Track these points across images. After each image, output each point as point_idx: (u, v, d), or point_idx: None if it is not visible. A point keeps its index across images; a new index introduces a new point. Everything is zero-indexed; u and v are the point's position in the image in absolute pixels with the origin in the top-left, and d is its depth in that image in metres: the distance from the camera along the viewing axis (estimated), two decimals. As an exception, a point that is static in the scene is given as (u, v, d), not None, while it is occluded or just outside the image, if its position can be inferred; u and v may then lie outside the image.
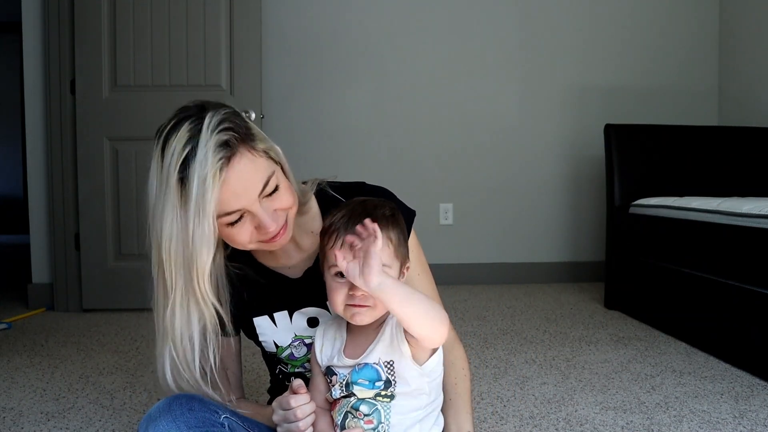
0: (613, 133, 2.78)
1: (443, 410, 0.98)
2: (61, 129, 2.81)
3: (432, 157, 3.44)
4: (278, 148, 0.97)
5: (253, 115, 2.74)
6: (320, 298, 1.03)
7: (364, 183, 1.10)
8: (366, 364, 0.89)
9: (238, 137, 0.88)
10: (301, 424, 0.89)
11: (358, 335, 0.93)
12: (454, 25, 3.43)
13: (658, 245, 2.48)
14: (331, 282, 0.89)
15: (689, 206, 2.26)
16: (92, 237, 2.80)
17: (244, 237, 0.91)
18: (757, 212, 1.88)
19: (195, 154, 0.84)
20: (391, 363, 0.88)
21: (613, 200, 2.77)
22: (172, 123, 0.89)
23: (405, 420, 0.88)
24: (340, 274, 0.87)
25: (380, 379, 0.88)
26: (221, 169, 0.85)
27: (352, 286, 0.86)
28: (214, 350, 0.95)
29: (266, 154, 0.92)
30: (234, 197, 0.87)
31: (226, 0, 2.76)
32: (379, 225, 0.86)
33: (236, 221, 0.89)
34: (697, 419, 1.51)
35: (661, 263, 2.43)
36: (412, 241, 1.07)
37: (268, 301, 1.06)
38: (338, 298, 0.88)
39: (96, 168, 2.79)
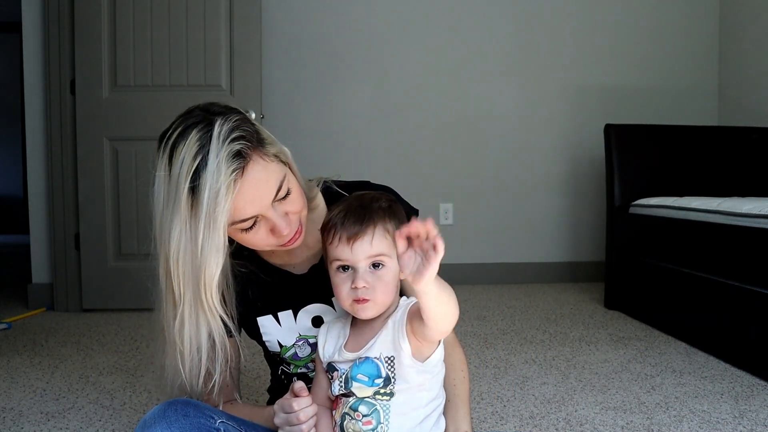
0: (613, 133, 2.78)
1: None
2: (61, 129, 2.81)
3: (432, 157, 3.44)
4: (287, 150, 0.95)
5: (253, 115, 2.74)
6: (325, 294, 1.03)
7: (368, 182, 1.10)
8: (367, 358, 0.88)
9: (250, 146, 0.86)
10: (304, 427, 0.88)
11: (361, 330, 0.93)
12: (453, 25, 3.43)
13: (658, 245, 2.48)
14: (335, 277, 0.90)
15: (689, 206, 2.26)
16: (92, 237, 2.80)
17: (259, 241, 0.92)
18: (757, 212, 1.88)
19: (206, 164, 0.82)
20: (391, 359, 0.88)
21: (613, 200, 2.77)
22: (178, 130, 0.86)
23: (406, 422, 0.88)
24: (343, 268, 0.88)
25: (380, 376, 0.87)
26: (235, 181, 0.83)
27: (354, 280, 0.87)
28: (221, 363, 0.94)
29: (277, 158, 0.91)
30: (248, 205, 0.86)
31: (226, 0, 2.76)
32: (376, 217, 0.88)
33: (251, 227, 0.89)
34: (697, 419, 1.51)
35: (661, 263, 2.43)
36: None
37: (272, 300, 1.06)
38: (343, 291, 0.89)
39: (96, 168, 2.79)
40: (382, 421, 0.87)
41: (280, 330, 1.06)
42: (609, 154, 2.78)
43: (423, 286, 0.76)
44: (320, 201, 1.07)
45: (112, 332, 2.44)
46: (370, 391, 0.88)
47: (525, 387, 1.76)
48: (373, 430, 0.87)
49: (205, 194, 0.82)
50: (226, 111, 0.89)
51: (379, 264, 0.88)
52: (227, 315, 0.92)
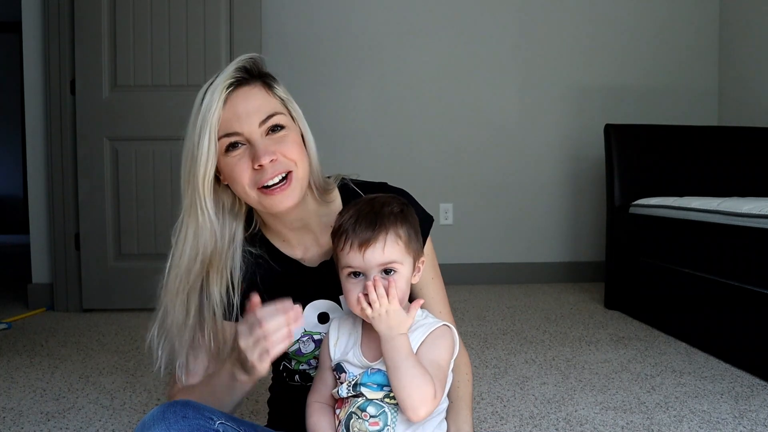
0: (613, 133, 2.78)
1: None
2: (61, 129, 2.81)
3: (432, 157, 3.44)
4: (300, 112, 1.00)
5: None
6: (334, 291, 1.02)
7: (386, 183, 1.10)
8: (380, 370, 0.88)
9: (256, 72, 0.95)
10: (271, 332, 0.83)
11: (374, 335, 0.91)
12: (454, 25, 3.43)
13: (658, 245, 2.48)
14: (346, 282, 0.89)
15: (689, 206, 2.26)
16: (92, 237, 2.80)
17: (243, 172, 0.93)
18: (757, 212, 1.88)
19: (216, 78, 0.93)
20: None
21: (613, 200, 2.77)
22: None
23: (411, 424, 0.88)
24: (354, 274, 0.88)
25: (389, 385, 0.87)
26: (229, 87, 0.92)
27: (365, 286, 0.86)
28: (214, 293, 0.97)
29: (282, 101, 0.97)
30: (235, 118, 0.92)
31: (226, 0, 2.76)
32: (388, 222, 0.87)
33: (234, 146, 0.93)
34: (697, 419, 1.51)
35: (661, 263, 2.43)
36: (428, 247, 1.06)
37: (280, 290, 1.05)
38: (354, 297, 0.88)
39: (96, 168, 2.79)
40: (389, 423, 0.87)
41: None
42: (609, 154, 2.78)
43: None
44: (336, 197, 1.07)
45: (112, 332, 2.44)
46: (380, 395, 0.88)
47: (525, 387, 1.76)
48: (379, 431, 0.87)
49: (206, 98, 0.92)
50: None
51: (390, 270, 0.87)
52: (218, 219, 0.97)
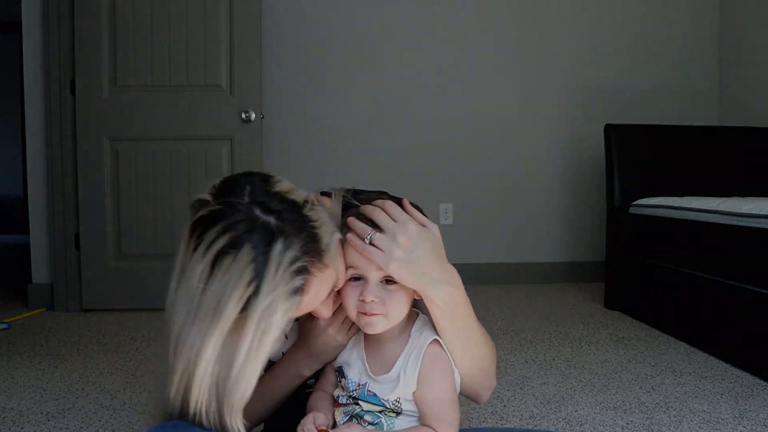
0: (613, 133, 2.78)
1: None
2: (61, 129, 2.81)
3: (432, 157, 3.44)
4: (337, 232, 0.84)
5: (253, 116, 2.74)
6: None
7: (385, 193, 1.06)
8: (375, 394, 0.88)
9: (311, 267, 0.77)
10: None
11: (378, 347, 0.92)
12: (453, 25, 3.43)
13: (658, 245, 2.48)
14: (346, 287, 0.88)
15: (689, 206, 2.26)
16: (92, 237, 2.80)
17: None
18: (757, 212, 1.88)
19: (258, 294, 0.72)
20: (398, 400, 0.87)
21: (613, 200, 2.77)
22: (227, 237, 0.73)
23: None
24: (355, 279, 0.87)
25: (386, 407, 0.88)
26: (290, 313, 0.76)
27: (363, 292, 0.85)
28: None
29: (331, 260, 0.81)
30: (297, 314, 0.81)
31: (226, 0, 2.76)
32: None
33: None
34: (697, 419, 1.51)
35: (661, 263, 2.43)
36: None
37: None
38: (350, 302, 0.87)
39: (96, 168, 2.79)
40: (385, 430, 0.88)
41: None
42: (609, 154, 2.78)
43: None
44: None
45: (112, 332, 2.44)
46: (377, 408, 0.88)
47: (525, 387, 1.76)
48: None
49: (254, 322, 0.73)
50: (287, 218, 0.76)
51: (392, 281, 0.86)
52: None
